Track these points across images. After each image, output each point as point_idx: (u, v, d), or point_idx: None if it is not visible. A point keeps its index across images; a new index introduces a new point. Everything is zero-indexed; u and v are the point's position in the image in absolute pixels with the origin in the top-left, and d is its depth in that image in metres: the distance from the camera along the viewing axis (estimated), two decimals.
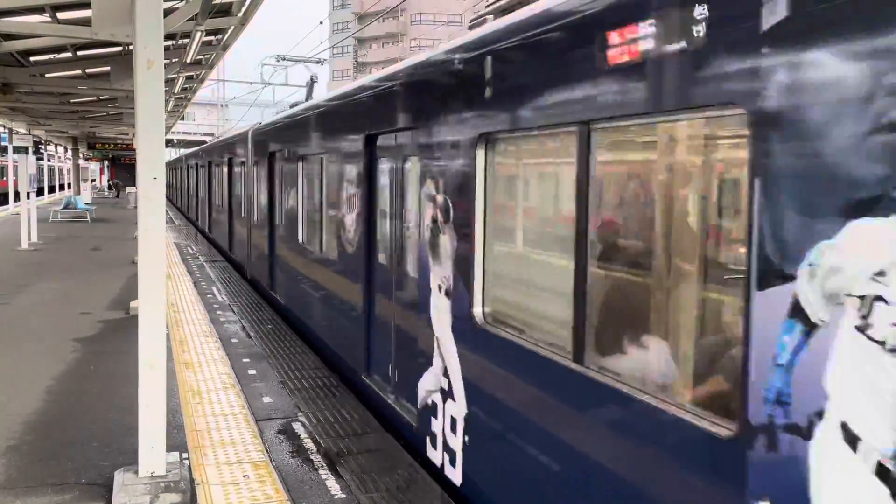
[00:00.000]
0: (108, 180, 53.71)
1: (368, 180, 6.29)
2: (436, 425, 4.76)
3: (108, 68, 11.98)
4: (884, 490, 1.90)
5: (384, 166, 6.08)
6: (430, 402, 4.84)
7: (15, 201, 28.94)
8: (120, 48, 11.23)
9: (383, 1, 58.76)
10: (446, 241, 4.55)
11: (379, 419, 5.86)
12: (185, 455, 5.01)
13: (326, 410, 6.14)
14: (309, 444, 5.39)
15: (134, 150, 5.06)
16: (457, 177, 4.39)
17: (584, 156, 3.22)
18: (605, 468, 2.99)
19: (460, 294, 4.33)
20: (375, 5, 57.15)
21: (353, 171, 6.72)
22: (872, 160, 1.95)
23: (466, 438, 4.29)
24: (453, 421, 4.46)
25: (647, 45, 2.74)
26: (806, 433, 2.11)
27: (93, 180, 50.69)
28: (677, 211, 2.97)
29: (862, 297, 1.96)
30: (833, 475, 2.04)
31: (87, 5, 6.64)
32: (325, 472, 4.89)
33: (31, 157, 19.85)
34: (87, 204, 29.71)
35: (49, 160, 45.85)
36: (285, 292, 10.22)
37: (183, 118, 35.55)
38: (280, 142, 10.48)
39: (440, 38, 47.26)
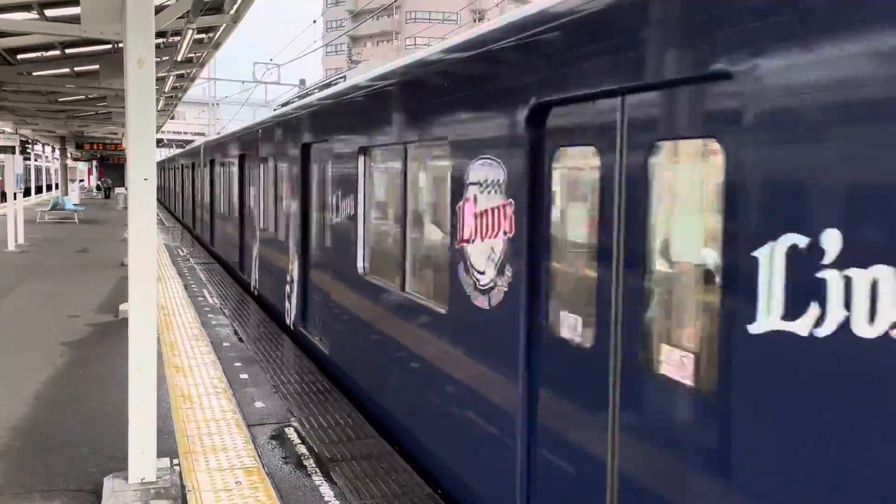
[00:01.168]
0: (98, 180, 53.22)
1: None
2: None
3: (97, 66, 11.84)
4: None
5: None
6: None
7: (1, 202, 28.65)
8: (109, 46, 11.10)
9: None
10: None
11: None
12: (175, 461, 4.93)
13: (319, 415, 6.06)
14: (302, 449, 5.31)
15: (123, 150, 4.98)
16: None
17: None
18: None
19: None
20: (370, 3, 57.02)
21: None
22: None
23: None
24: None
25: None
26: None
27: (80, 181, 50.21)
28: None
29: None
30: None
31: (76, 2, 6.53)
32: (318, 478, 4.82)
33: (18, 157, 19.61)
34: (75, 205, 29.44)
35: (36, 160, 45.42)
36: None
37: (173, 117, 35.29)
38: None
39: (435, 36, 47.20)
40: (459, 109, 4.42)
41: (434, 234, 5.22)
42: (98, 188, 51.56)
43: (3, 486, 4.64)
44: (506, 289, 3.78)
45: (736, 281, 2.36)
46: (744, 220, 2.33)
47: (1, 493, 4.53)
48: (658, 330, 2.91)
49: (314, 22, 29.77)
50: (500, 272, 3.82)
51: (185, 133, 54.53)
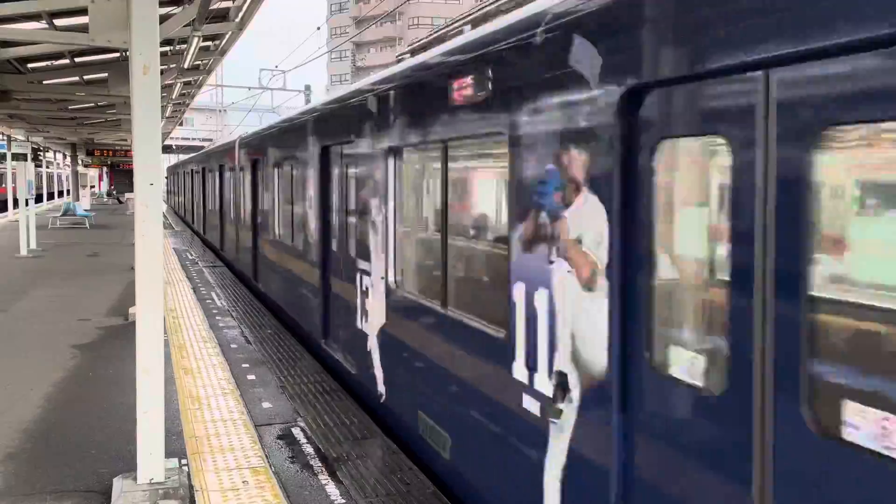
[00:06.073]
0: (109, 186, 53.72)
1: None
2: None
3: (106, 74, 11.99)
4: None
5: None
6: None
7: (14, 208, 28.96)
8: (117, 54, 11.26)
9: (381, 5, 58.92)
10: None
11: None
12: (184, 461, 5.00)
13: (325, 415, 6.13)
14: (308, 449, 5.38)
15: (132, 156, 5.09)
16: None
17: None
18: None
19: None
20: (373, 10, 57.24)
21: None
22: None
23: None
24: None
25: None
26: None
27: (92, 186, 50.65)
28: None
29: None
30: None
31: (85, 12, 6.65)
32: (324, 478, 4.88)
33: (30, 164, 19.85)
34: (85, 210, 29.73)
35: (48, 167, 45.86)
36: None
37: (182, 123, 35.56)
38: None
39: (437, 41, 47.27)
40: None
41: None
42: (108, 194, 52.07)
43: (15, 487, 4.73)
44: None
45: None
46: None
47: (12, 494, 4.61)
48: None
49: (318, 29, 29.85)
50: None
51: (194, 139, 54.88)
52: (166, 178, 44.18)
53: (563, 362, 3.27)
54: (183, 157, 38.25)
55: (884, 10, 1.91)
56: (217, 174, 17.63)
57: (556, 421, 3.32)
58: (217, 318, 10.18)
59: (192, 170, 25.82)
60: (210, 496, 4.55)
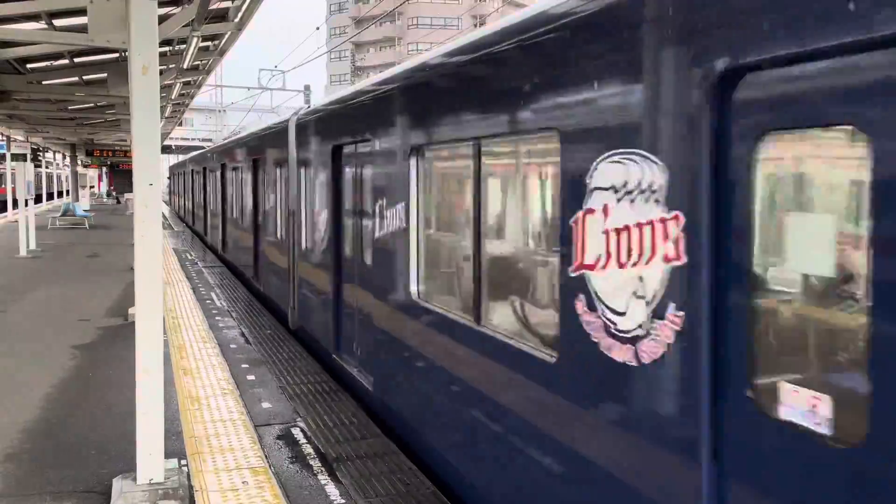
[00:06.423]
0: (108, 186, 53.77)
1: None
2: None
3: (105, 75, 11.98)
4: None
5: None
6: None
7: (13, 209, 28.95)
8: (117, 54, 11.25)
9: (381, 5, 58.94)
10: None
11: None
12: (183, 461, 5.01)
13: (325, 415, 6.13)
14: (308, 449, 5.38)
15: (131, 156, 5.10)
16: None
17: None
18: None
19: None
20: (372, 10, 57.25)
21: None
22: None
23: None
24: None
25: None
26: None
27: (91, 187, 50.71)
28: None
29: None
30: None
31: (84, 12, 6.66)
32: (324, 478, 4.88)
33: (29, 165, 19.84)
34: (85, 211, 29.72)
35: (47, 167, 45.86)
36: None
37: (181, 124, 35.51)
38: None
39: (437, 41, 47.34)
40: None
41: None
42: (108, 194, 52.16)
43: (14, 488, 4.73)
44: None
45: None
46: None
47: (12, 495, 4.61)
48: None
49: (317, 29, 29.87)
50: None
51: (193, 139, 54.86)
52: (168, 178, 44.07)
53: None
54: (183, 156, 37.71)
55: None
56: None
57: None
58: (216, 318, 10.17)
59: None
60: (210, 496, 4.55)
